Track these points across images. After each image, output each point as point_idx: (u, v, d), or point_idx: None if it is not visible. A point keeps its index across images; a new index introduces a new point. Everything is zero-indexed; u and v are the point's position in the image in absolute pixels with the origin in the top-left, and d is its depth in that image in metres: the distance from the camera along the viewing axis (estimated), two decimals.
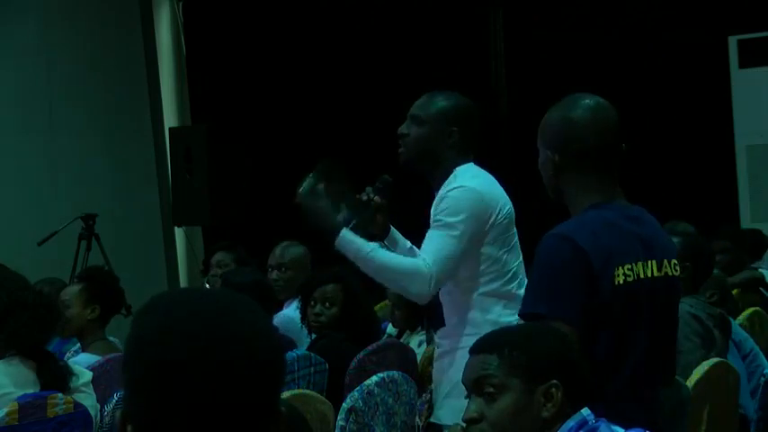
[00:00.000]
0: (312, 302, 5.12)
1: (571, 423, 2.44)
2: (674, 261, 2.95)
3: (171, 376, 1.39)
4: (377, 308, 5.78)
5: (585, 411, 2.46)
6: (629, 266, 2.81)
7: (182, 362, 1.39)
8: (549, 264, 2.80)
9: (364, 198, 3.88)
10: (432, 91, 4.00)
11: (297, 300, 5.47)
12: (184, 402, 1.39)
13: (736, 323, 5.16)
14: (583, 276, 2.74)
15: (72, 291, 5.06)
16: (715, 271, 5.26)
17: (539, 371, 2.44)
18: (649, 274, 2.85)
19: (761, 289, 6.62)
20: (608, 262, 2.78)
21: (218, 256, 6.59)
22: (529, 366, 2.44)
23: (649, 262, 2.87)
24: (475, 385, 2.49)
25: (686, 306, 4.45)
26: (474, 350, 2.54)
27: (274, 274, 5.87)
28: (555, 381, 2.43)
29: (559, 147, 2.97)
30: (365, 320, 5.03)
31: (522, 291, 3.33)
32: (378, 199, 3.88)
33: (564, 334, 2.58)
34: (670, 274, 2.92)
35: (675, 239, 4.68)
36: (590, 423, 2.44)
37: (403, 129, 3.91)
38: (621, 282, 2.78)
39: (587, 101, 3.08)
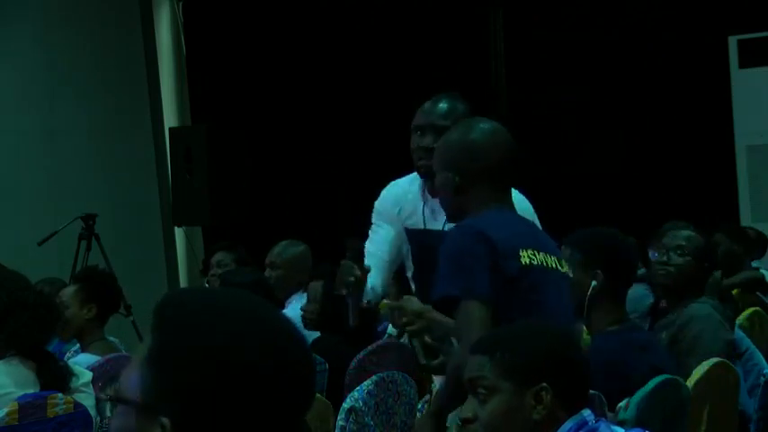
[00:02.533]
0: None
1: (570, 424, 2.44)
2: (563, 261, 3.14)
3: (259, 382, 1.41)
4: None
5: (586, 412, 2.46)
6: (533, 252, 2.98)
7: (273, 367, 1.42)
8: (454, 250, 2.96)
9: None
10: (437, 94, 3.94)
11: (297, 299, 5.50)
12: (264, 407, 1.42)
13: (736, 323, 5.17)
14: (487, 255, 2.90)
15: (68, 291, 5.06)
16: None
17: (529, 373, 2.44)
18: (553, 266, 3.03)
19: (758, 293, 6.60)
20: (510, 243, 2.95)
21: (219, 256, 6.60)
22: (519, 369, 2.45)
23: (550, 256, 3.04)
24: (470, 386, 2.50)
25: (708, 308, 4.44)
26: (472, 350, 2.55)
27: (266, 272, 5.92)
28: (545, 384, 2.43)
29: (461, 167, 3.11)
30: (344, 320, 4.99)
31: None
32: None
33: (561, 334, 2.58)
34: (563, 271, 3.10)
35: (683, 236, 4.68)
36: (590, 423, 2.44)
37: (428, 142, 3.77)
38: (527, 263, 2.94)
39: (483, 124, 3.22)
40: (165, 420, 1.40)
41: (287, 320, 1.50)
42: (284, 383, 1.43)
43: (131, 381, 1.46)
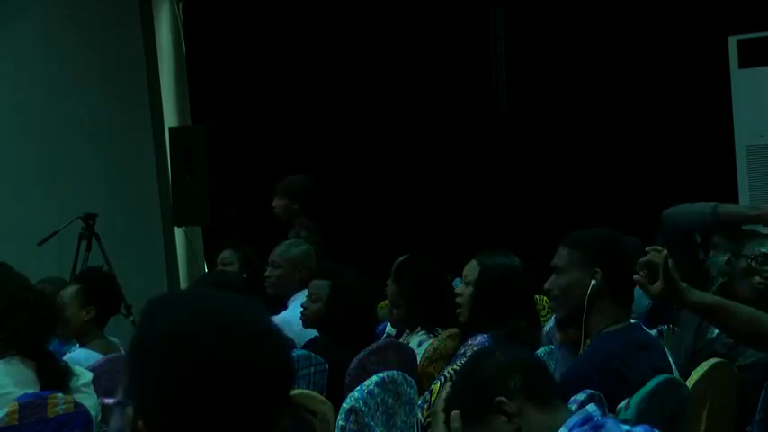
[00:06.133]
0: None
1: (575, 419, 2.44)
2: None
3: (222, 373, 1.44)
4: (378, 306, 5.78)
5: (591, 407, 2.47)
6: None
7: (235, 359, 1.45)
8: None
9: None
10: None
11: (299, 298, 5.51)
12: (230, 399, 1.44)
13: None
14: None
15: (68, 292, 5.07)
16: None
17: (477, 403, 2.51)
18: None
19: None
20: None
21: (224, 254, 6.63)
22: (470, 404, 2.53)
23: None
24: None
25: None
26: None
27: (268, 271, 5.96)
28: (501, 398, 2.48)
29: None
30: (350, 322, 5.00)
31: None
32: None
33: (515, 353, 2.63)
34: None
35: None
36: (595, 419, 2.44)
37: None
38: None
39: None
40: (129, 409, 1.45)
41: (262, 317, 1.53)
42: (260, 378, 1.46)
43: (121, 383, 1.52)
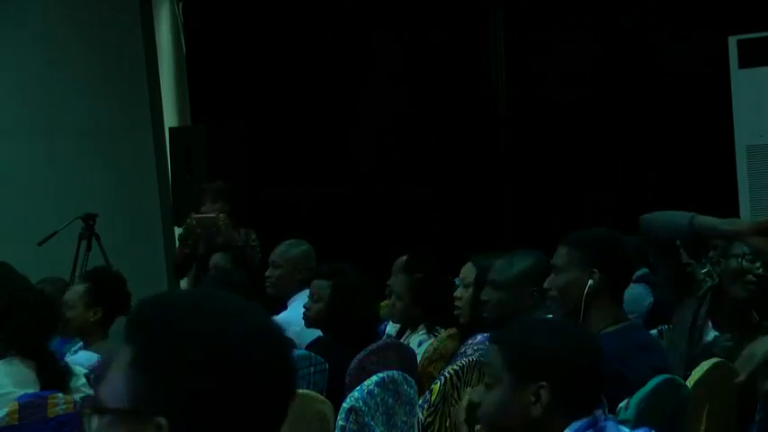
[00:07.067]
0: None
1: (581, 422, 2.44)
2: None
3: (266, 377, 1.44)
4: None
5: (598, 412, 2.46)
6: None
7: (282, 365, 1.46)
8: None
9: None
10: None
11: (300, 299, 5.51)
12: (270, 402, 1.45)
13: None
14: None
15: (76, 291, 5.07)
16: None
17: (530, 370, 2.45)
18: None
19: None
20: None
21: (215, 259, 6.63)
22: (521, 363, 2.47)
23: None
24: (482, 371, 2.55)
25: None
26: (490, 339, 2.60)
27: (268, 271, 5.96)
28: (543, 382, 2.43)
29: None
30: (353, 321, 5.01)
31: None
32: None
33: (578, 338, 2.56)
34: None
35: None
36: (599, 422, 2.44)
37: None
38: None
39: None
40: (162, 420, 1.40)
41: (264, 315, 1.52)
42: (272, 378, 1.45)
43: (115, 389, 1.44)
